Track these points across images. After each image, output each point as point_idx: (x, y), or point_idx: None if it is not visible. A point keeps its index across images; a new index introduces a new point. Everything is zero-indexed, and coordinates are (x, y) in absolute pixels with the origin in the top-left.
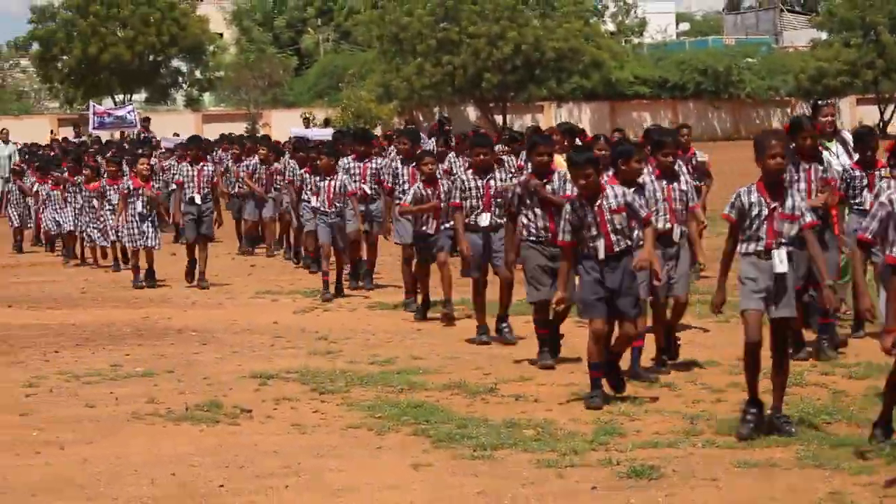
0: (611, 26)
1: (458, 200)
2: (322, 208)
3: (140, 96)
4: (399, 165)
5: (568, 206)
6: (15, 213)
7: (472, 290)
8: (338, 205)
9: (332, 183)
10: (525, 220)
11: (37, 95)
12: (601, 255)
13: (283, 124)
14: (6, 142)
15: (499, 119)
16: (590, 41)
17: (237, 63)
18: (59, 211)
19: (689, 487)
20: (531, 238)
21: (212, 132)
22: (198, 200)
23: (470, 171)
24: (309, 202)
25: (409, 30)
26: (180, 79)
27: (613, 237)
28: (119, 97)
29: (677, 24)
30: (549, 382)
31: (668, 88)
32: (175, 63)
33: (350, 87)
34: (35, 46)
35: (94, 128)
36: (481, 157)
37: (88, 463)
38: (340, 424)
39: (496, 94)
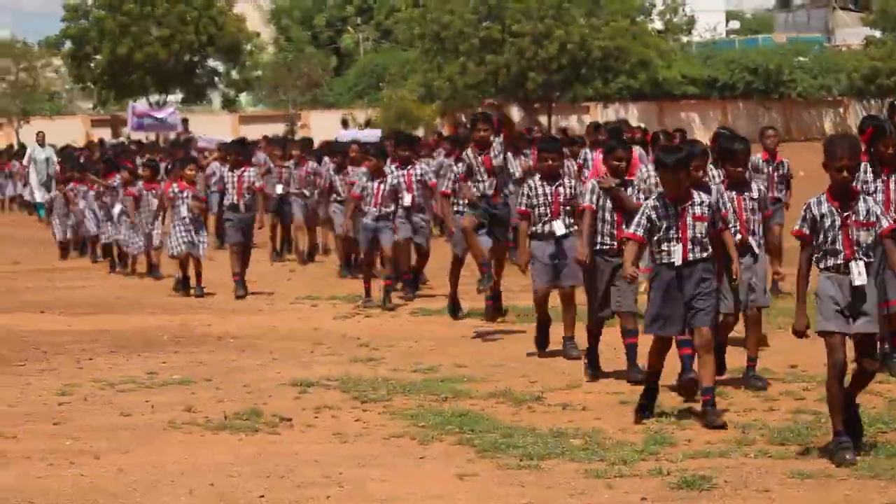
0: (658, 24)
1: (524, 208)
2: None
3: (175, 97)
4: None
5: (651, 203)
6: (59, 224)
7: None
8: (385, 209)
9: (382, 185)
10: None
11: (69, 95)
12: (677, 262)
13: (323, 125)
14: (43, 145)
15: (543, 119)
16: (637, 40)
17: (275, 63)
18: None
19: (741, 499)
20: (597, 247)
21: (249, 133)
22: (242, 207)
23: (538, 176)
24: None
25: (450, 28)
26: (217, 79)
27: (690, 245)
28: (154, 97)
29: (727, 22)
30: (596, 391)
31: (717, 88)
32: (211, 63)
33: (391, 86)
34: (67, 45)
35: (132, 129)
36: (549, 162)
37: (124, 473)
38: (383, 433)
39: (541, 94)
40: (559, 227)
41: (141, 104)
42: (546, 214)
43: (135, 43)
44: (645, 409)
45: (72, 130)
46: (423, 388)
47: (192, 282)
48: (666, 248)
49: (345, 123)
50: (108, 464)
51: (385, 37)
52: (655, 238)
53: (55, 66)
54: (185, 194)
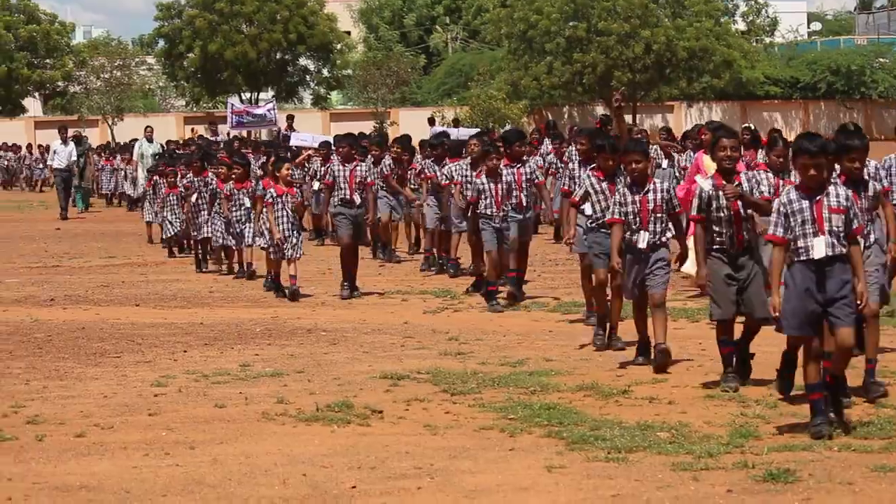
0: (741, 26)
1: (618, 216)
2: (490, 212)
3: (266, 94)
4: (576, 166)
5: (785, 197)
6: (176, 220)
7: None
8: (504, 209)
9: (500, 186)
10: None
11: (162, 93)
12: (819, 254)
13: (411, 123)
14: (151, 140)
15: (627, 119)
16: (721, 41)
17: (365, 61)
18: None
19: (825, 492)
20: (714, 246)
21: (339, 131)
22: (357, 200)
23: (627, 180)
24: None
25: (537, 28)
26: (308, 77)
27: (828, 238)
28: (246, 95)
29: (809, 23)
30: (682, 384)
31: (799, 88)
32: (302, 61)
33: (478, 85)
34: (161, 44)
35: (231, 126)
36: (633, 165)
37: (218, 463)
38: (473, 426)
39: (626, 93)
40: (642, 240)
41: (238, 102)
42: (634, 224)
43: (225, 41)
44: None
45: (165, 127)
46: (512, 381)
47: (284, 281)
48: (803, 245)
49: (431, 121)
50: (203, 454)
51: (473, 36)
52: (791, 235)
53: (149, 64)
54: (284, 198)
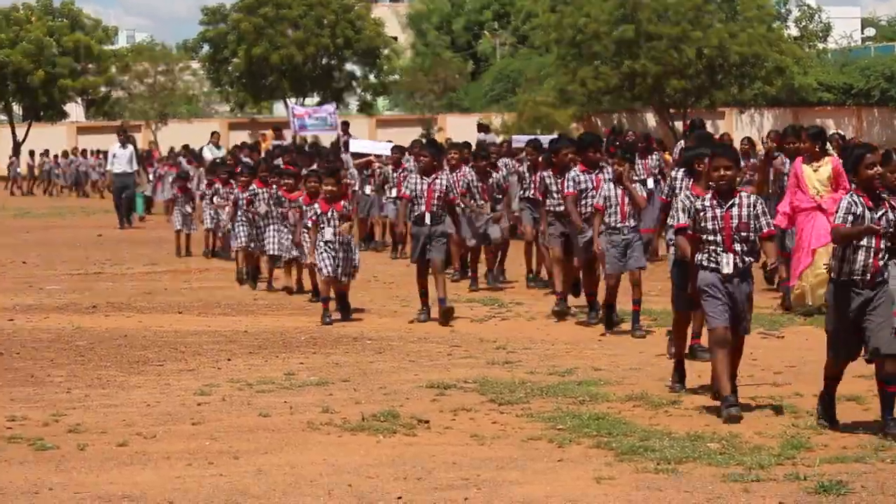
0: (794, 31)
1: (685, 222)
2: (615, 222)
3: (312, 100)
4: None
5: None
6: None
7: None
8: (633, 221)
9: (626, 194)
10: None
11: (206, 98)
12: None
13: (458, 129)
14: (218, 146)
15: (679, 125)
16: (773, 46)
17: (412, 67)
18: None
19: None
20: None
21: (385, 137)
22: (427, 220)
23: (709, 195)
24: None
25: (586, 31)
26: (354, 83)
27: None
28: (291, 101)
29: (862, 29)
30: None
31: (852, 95)
32: (349, 66)
33: (527, 91)
34: (205, 48)
35: (295, 131)
36: (721, 171)
37: (263, 474)
38: (520, 436)
39: (677, 99)
40: (727, 264)
41: (298, 105)
42: (717, 243)
43: (270, 45)
44: None
45: (209, 133)
46: (560, 391)
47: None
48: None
49: (482, 128)
50: (247, 464)
51: (522, 41)
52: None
53: (193, 69)
54: (329, 215)
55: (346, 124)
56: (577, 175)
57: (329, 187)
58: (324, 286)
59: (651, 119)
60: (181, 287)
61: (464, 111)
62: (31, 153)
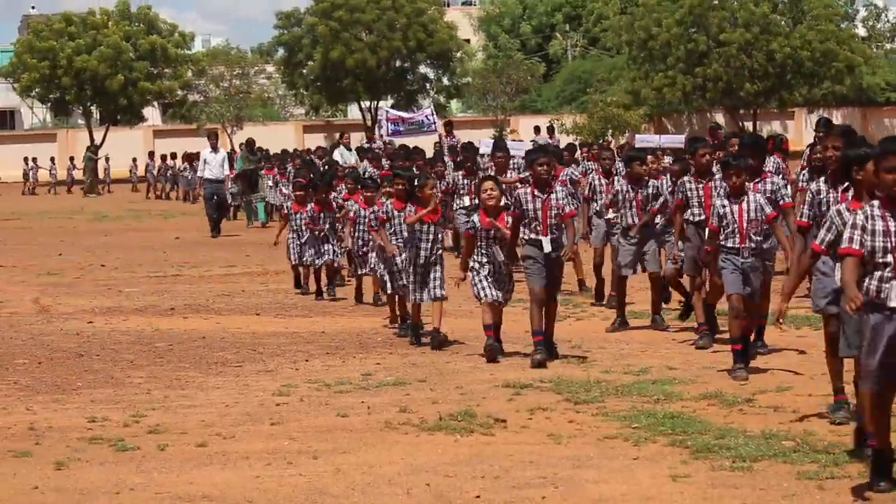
0: (861, 31)
1: (856, 247)
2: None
3: (386, 103)
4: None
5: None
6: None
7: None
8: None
9: (745, 206)
10: None
11: (282, 102)
12: None
13: (531, 131)
14: (349, 147)
15: (748, 126)
16: (842, 46)
17: (484, 69)
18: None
19: None
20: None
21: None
22: (546, 247)
23: (872, 207)
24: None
25: (657, 39)
26: (427, 85)
27: None
28: (365, 103)
29: None
30: (806, 393)
31: None
32: (422, 69)
33: (598, 92)
34: (280, 52)
35: (388, 135)
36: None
37: (342, 473)
38: (596, 435)
39: (748, 100)
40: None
41: (391, 109)
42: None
43: (345, 49)
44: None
45: (285, 136)
46: (635, 390)
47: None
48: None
49: (550, 130)
50: (325, 464)
51: (593, 43)
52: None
53: (268, 72)
54: (429, 229)
55: (448, 124)
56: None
57: (430, 191)
58: (412, 309)
59: (721, 119)
60: (258, 289)
61: (536, 112)
62: (158, 156)
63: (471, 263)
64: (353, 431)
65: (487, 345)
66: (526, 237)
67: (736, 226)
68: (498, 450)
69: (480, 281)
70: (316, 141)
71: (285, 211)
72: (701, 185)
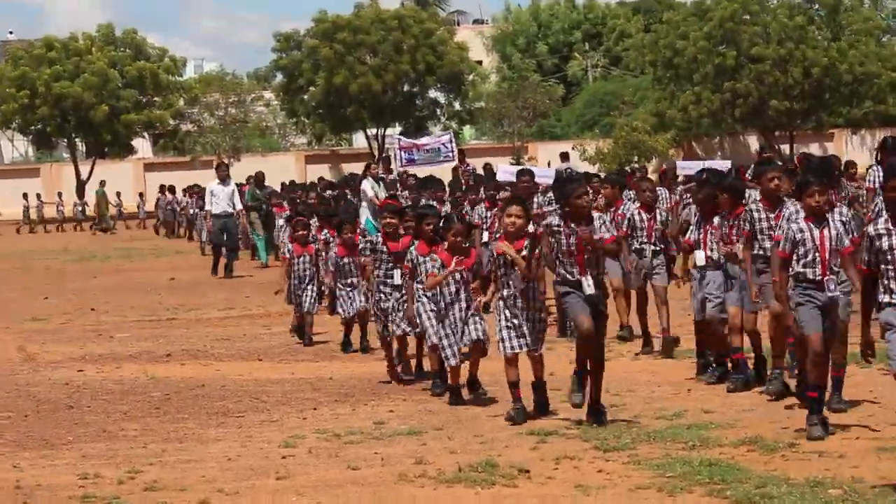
0: None
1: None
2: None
3: (394, 130)
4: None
5: None
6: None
7: None
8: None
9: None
10: None
11: (281, 131)
12: None
13: (549, 158)
14: (378, 180)
15: (784, 148)
16: (885, 63)
17: (498, 93)
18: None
19: None
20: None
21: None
22: (587, 288)
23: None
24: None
25: (684, 55)
26: (438, 111)
27: None
28: (371, 131)
29: None
30: (852, 437)
31: None
32: (431, 94)
33: (622, 116)
34: (279, 77)
35: (402, 165)
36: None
37: None
38: (627, 485)
39: (782, 121)
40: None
41: (405, 138)
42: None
43: (350, 73)
44: None
45: (285, 168)
46: (669, 436)
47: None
48: None
49: (564, 156)
50: None
51: (614, 63)
52: None
53: (266, 99)
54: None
55: (462, 153)
56: (797, 213)
57: (454, 238)
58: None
59: (754, 142)
60: (260, 332)
61: (555, 139)
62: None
63: (495, 300)
64: (365, 485)
65: (513, 409)
66: (561, 278)
67: (817, 254)
68: (522, 502)
69: (503, 328)
70: (320, 172)
71: (286, 255)
72: (773, 216)
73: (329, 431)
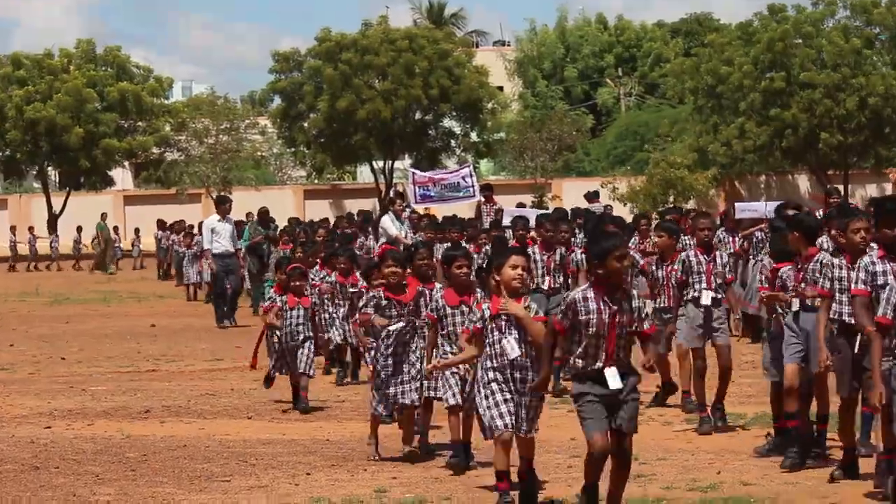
0: None
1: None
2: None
3: (403, 162)
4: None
5: None
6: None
7: None
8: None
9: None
10: None
11: (278, 162)
12: None
13: (575, 196)
14: (400, 218)
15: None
16: None
17: (520, 122)
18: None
19: None
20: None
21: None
22: (613, 382)
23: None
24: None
25: (728, 82)
26: (452, 142)
27: None
28: (378, 164)
29: None
30: None
31: None
32: (446, 122)
33: (657, 150)
34: (277, 101)
35: (417, 202)
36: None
37: None
38: None
39: (835, 157)
40: None
41: (419, 171)
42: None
43: (356, 98)
44: None
45: (282, 203)
46: None
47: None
48: None
49: (592, 196)
50: None
51: (650, 91)
52: None
53: (262, 126)
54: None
55: (487, 188)
56: (874, 263)
57: (461, 272)
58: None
59: (804, 182)
60: (250, 387)
61: (583, 175)
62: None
63: (479, 373)
64: None
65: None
66: (580, 366)
67: None
68: None
69: (490, 405)
70: (319, 209)
71: (277, 304)
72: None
73: (325, 499)
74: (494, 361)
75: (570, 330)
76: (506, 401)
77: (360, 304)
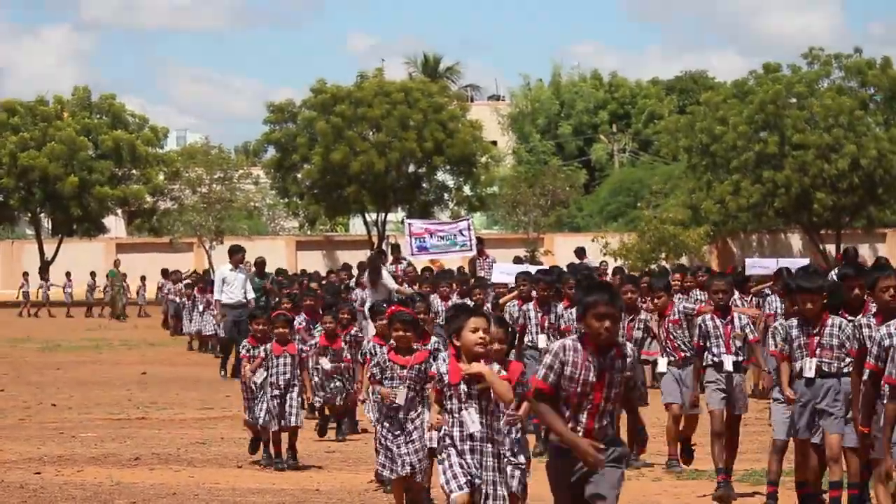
0: None
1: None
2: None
3: (396, 215)
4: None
5: None
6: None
7: None
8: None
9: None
10: None
11: (271, 212)
12: None
13: (568, 251)
14: (401, 259)
15: (830, 249)
16: None
17: (514, 177)
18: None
19: None
20: None
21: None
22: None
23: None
24: None
25: (722, 141)
26: (446, 195)
27: None
28: (371, 216)
29: None
30: None
31: None
32: (439, 176)
33: (651, 206)
34: (270, 152)
35: (413, 254)
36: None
37: None
38: None
39: (828, 217)
40: None
41: (416, 221)
42: None
43: (349, 149)
44: None
45: (275, 254)
46: None
47: None
48: None
49: (580, 252)
50: None
51: (643, 148)
52: None
53: (255, 176)
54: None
55: (478, 241)
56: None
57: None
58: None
59: (796, 241)
60: (240, 436)
61: (576, 230)
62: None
63: (442, 438)
64: None
65: None
66: (553, 441)
67: None
68: None
69: (452, 465)
70: (311, 260)
71: (259, 354)
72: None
73: None
74: (454, 430)
75: (557, 388)
76: (464, 460)
77: (363, 348)
